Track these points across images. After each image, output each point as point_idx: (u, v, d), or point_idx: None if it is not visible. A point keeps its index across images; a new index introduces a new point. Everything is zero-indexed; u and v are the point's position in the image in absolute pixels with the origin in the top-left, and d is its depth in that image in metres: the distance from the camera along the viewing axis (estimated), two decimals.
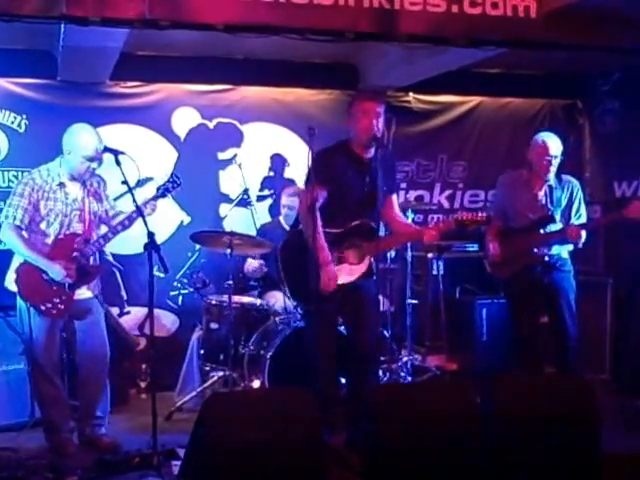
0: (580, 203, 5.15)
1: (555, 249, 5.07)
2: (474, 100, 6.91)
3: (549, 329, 5.22)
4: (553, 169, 5.02)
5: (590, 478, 3.37)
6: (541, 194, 5.10)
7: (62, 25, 4.33)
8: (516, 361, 5.15)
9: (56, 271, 4.29)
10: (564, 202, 5.10)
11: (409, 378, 5.62)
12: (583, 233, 4.90)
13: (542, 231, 5.04)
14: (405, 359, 5.74)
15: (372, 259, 4.43)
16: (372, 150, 4.34)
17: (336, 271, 4.30)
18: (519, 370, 4.99)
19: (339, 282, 4.32)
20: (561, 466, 3.34)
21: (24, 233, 4.34)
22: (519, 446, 3.36)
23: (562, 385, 3.63)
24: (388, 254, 5.39)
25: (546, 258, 5.04)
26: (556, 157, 4.99)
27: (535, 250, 5.03)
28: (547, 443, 3.35)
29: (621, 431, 4.47)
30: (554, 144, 5.01)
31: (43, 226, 4.38)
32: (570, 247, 5.12)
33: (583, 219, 5.13)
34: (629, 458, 3.95)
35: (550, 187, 5.07)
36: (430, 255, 6.23)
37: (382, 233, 4.59)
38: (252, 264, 5.63)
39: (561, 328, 5.05)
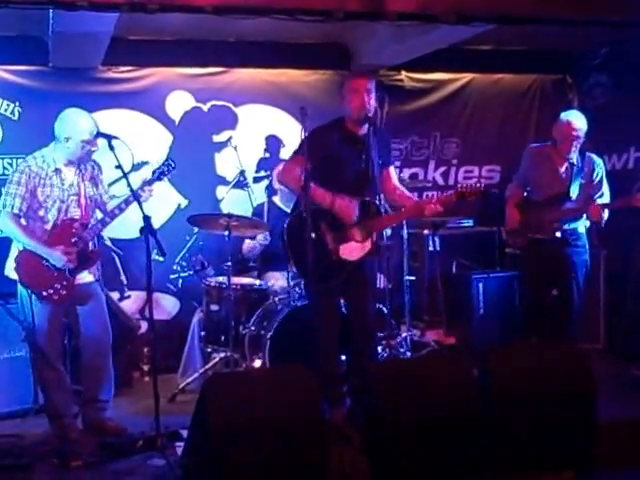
0: (602, 182, 5.18)
1: (572, 223, 5.13)
2: (466, 77, 6.90)
3: (557, 301, 5.28)
4: (575, 148, 5.08)
5: (586, 445, 3.44)
6: (562, 170, 5.16)
7: (51, 10, 4.32)
8: (521, 332, 5.22)
9: (57, 258, 4.29)
10: (584, 180, 5.13)
11: (408, 353, 5.66)
12: (605, 213, 4.95)
13: (561, 207, 5.09)
14: (404, 335, 5.79)
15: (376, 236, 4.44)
16: (365, 127, 4.36)
17: (344, 248, 4.36)
18: (519, 342, 5.06)
19: (348, 259, 4.37)
20: (558, 434, 3.40)
21: (22, 221, 4.34)
22: (517, 416, 3.42)
23: (558, 355, 3.69)
24: (384, 232, 5.42)
25: (558, 234, 5.10)
26: (579, 137, 5.05)
27: (552, 224, 5.09)
28: (544, 412, 3.41)
29: (615, 399, 4.50)
30: (579, 123, 5.06)
31: (41, 213, 4.37)
32: (587, 223, 5.18)
33: (606, 198, 5.15)
34: (624, 425, 4.01)
35: (571, 164, 5.13)
36: (426, 232, 6.28)
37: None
38: (248, 243, 5.69)
39: (567, 301, 5.12)
